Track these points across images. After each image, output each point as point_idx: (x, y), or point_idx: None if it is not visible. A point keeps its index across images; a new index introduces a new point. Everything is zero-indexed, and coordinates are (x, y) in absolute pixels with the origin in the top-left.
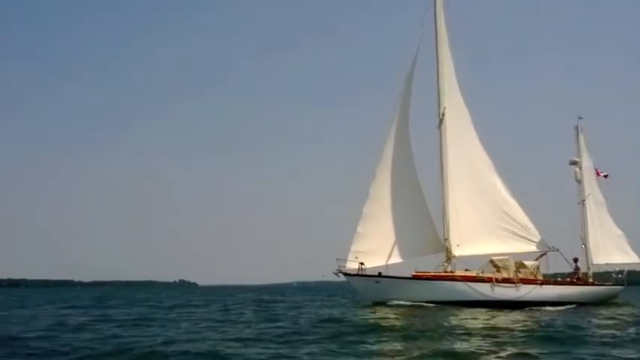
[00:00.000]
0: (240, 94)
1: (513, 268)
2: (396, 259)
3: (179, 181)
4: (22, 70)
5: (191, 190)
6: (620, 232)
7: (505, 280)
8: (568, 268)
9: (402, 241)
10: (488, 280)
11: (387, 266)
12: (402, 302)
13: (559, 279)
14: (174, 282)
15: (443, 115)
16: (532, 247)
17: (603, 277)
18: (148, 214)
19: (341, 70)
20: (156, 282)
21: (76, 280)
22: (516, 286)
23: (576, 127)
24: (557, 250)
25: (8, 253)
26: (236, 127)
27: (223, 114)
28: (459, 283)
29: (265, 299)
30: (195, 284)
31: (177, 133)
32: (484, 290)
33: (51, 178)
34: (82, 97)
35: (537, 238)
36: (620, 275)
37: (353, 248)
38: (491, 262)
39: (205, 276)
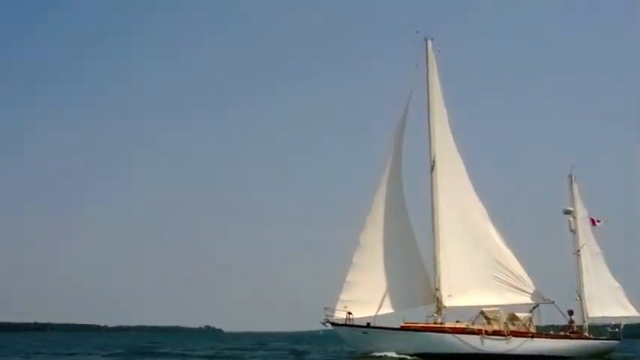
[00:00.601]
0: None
1: (504, 320)
2: (386, 309)
3: (199, 224)
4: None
5: (213, 236)
6: (617, 284)
7: (495, 333)
8: (564, 321)
9: (393, 291)
10: (478, 332)
11: (374, 317)
12: (391, 354)
13: (551, 332)
14: (200, 328)
15: (434, 162)
16: (526, 299)
17: (599, 330)
18: (172, 259)
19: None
20: (181, 328)
21: (102, 324)
22: (507, 339)
23: (570, 176)
24: (553, 302)
25: (34, 297)
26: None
27: (225, 151)
28: (448, 335)
29: (298, 349)
30: (220, 330)
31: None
32: (473, 343)
33: (75, 222)
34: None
35: (532, 289)
36: (616, 329)
37: (342, 297)
38: (482, 313)
39: (231, 322)
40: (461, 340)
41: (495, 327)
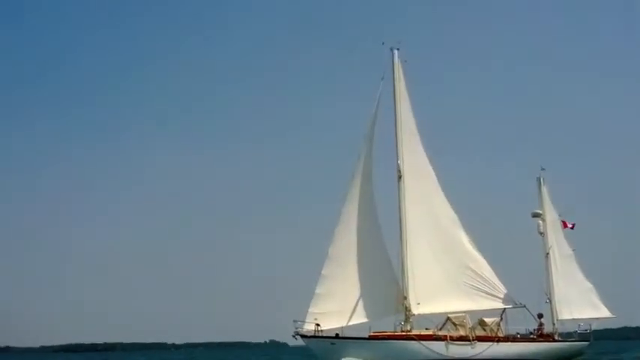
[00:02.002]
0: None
1: (469, 325)
2: (357, 319)
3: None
4: None
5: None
6: (589, 285)
7: (461, 338)
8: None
9: (364, 302)
10: (443, 339)
11: (342, 328)
12: None
13: (518, 335)
14: (265, 342)
15: (399, 172)
16: (498, 304)
17: (571, 334)
18: (236, 274)
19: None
20: (247, 343)
21: (169, 342)
22: (472, 344)
23: (538, 179)
24: (524, 306)
25: (104, 317)
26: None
27: None
28: (413, 342)
29: None
30: (285, 344)
31: None
32: (438, 349)
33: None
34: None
35: (503, 294)
36: (587, 330)
37: (311, 309)
38: (449, 319)
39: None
40: (426, 347)
41: (462, 332)
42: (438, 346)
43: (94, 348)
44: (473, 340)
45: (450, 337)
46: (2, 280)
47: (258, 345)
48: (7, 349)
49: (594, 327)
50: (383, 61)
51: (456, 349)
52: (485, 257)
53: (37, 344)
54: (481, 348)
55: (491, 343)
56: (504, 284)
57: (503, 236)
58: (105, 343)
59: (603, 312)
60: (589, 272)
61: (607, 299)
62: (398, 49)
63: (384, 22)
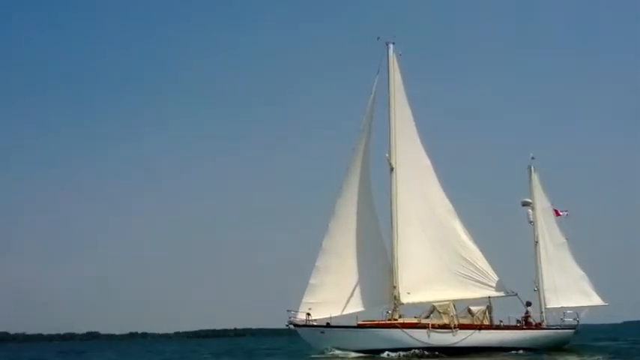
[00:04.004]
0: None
1: (453, 313)
2: (350, 309)
3: None
4: None
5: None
6: (581, 272)
7: (444, 326)
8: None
9: (357, 292)
10: (426, 326)
11: (330, 317)
12: (347, 352)
13: (502, 323)
14: None
15: (390, 163)
16: (491, 292)
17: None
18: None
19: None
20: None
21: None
22: (453, 332)
23: (529, 167)
24: (516, 294)
25: (236, 304)
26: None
27: None
28: (397, 330)
29: None
30: None
31: None
32: (420, 337)
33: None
34: None
35: (495, 282)
36: (574, 319)
37: (305, 299)
38: (434, 307)
39: None
40: (409, 335)
41: (446, 320)
42: (420, 334)
43: (225, 334)
44: (455, 327)
45: (432, 325)
46: (141, 271)
47: None
48: (144, 336)
49: (584, 316)
50: (378, 55)
51: (438, 336)
52: (480, 247)
53: (171, 330)
54: (463, 335)
55: (473, 331)
56: (497, 273)
57: (496, 225)
58: (235, 329)
59: (595, 300)
60: (584, 261)
61: (601, 287)
62: (393, 43)
63: (379, 17)
